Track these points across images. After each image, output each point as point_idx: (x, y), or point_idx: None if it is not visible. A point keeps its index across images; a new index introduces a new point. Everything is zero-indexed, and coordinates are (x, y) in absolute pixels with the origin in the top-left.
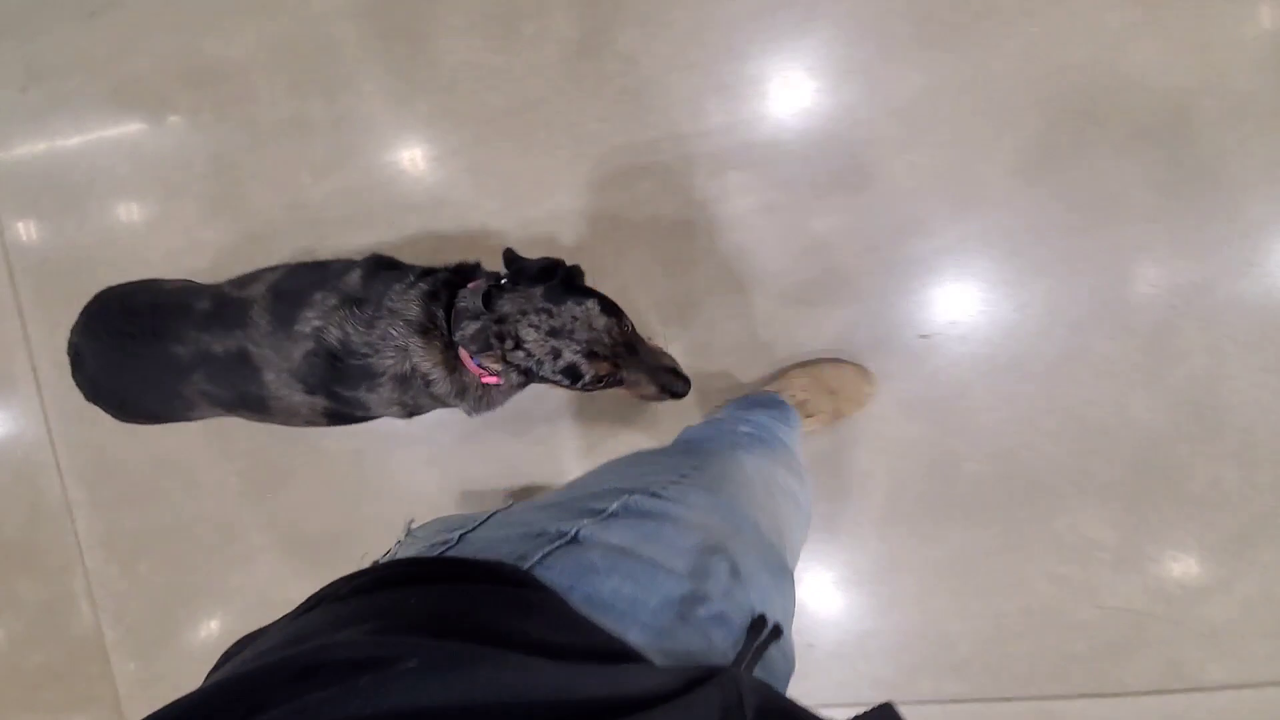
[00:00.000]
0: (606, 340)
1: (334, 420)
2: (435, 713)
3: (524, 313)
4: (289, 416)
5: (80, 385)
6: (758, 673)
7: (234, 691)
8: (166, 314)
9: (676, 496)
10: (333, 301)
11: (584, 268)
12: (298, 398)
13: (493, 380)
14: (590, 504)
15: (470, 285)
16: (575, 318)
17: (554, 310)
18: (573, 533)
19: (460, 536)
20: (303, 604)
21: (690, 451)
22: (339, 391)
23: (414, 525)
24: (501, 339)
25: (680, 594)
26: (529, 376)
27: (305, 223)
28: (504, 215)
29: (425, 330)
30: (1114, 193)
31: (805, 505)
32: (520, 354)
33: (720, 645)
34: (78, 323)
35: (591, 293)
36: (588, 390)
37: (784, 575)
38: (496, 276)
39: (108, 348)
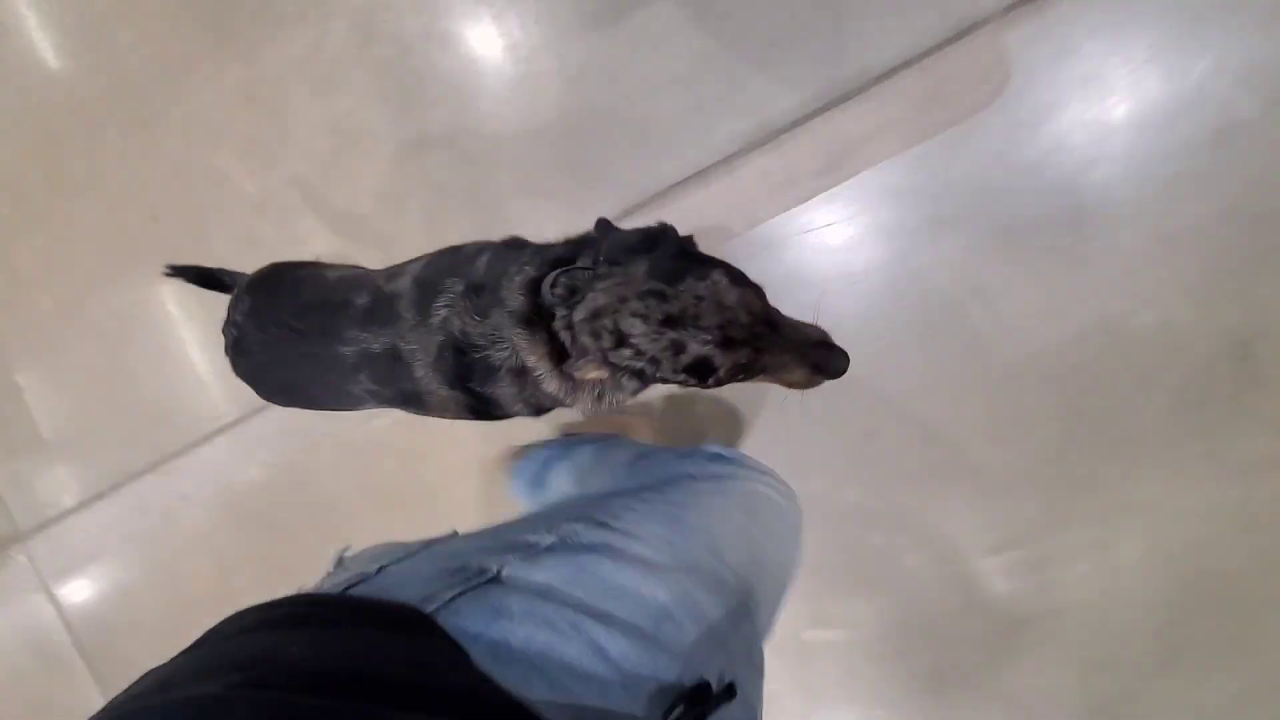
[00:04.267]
0: (744, 320)
1: (480, 416)
2: None
3: (624, 300)
4: (443, 410)
5: (236, 365)
6: None
7: None
8: (333, 311)
9: (627, 527)
10: (459, 289)
11: None
12: (445, 392)
13: (603, 375)
14: (525, 535)
15: (556, 272)
16: (700, 297)
17: (667, 292)
18: (495, 571)
19: (380, 569)
20: (197, 639)
21: (677, 457)
22: (472, 388)
23: (347, 554)
24: (598, 336)
25: (607, 644)
26: (642, 379)
27: None
28: None
29: (529, 322)
30: None
31: (793, 519)
32: (627, 352)
33: (654, 708)
34: (241, 304)
35: (714, 262)
36: (719, 386)
37: (745, 617)
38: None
39: (278, 340)
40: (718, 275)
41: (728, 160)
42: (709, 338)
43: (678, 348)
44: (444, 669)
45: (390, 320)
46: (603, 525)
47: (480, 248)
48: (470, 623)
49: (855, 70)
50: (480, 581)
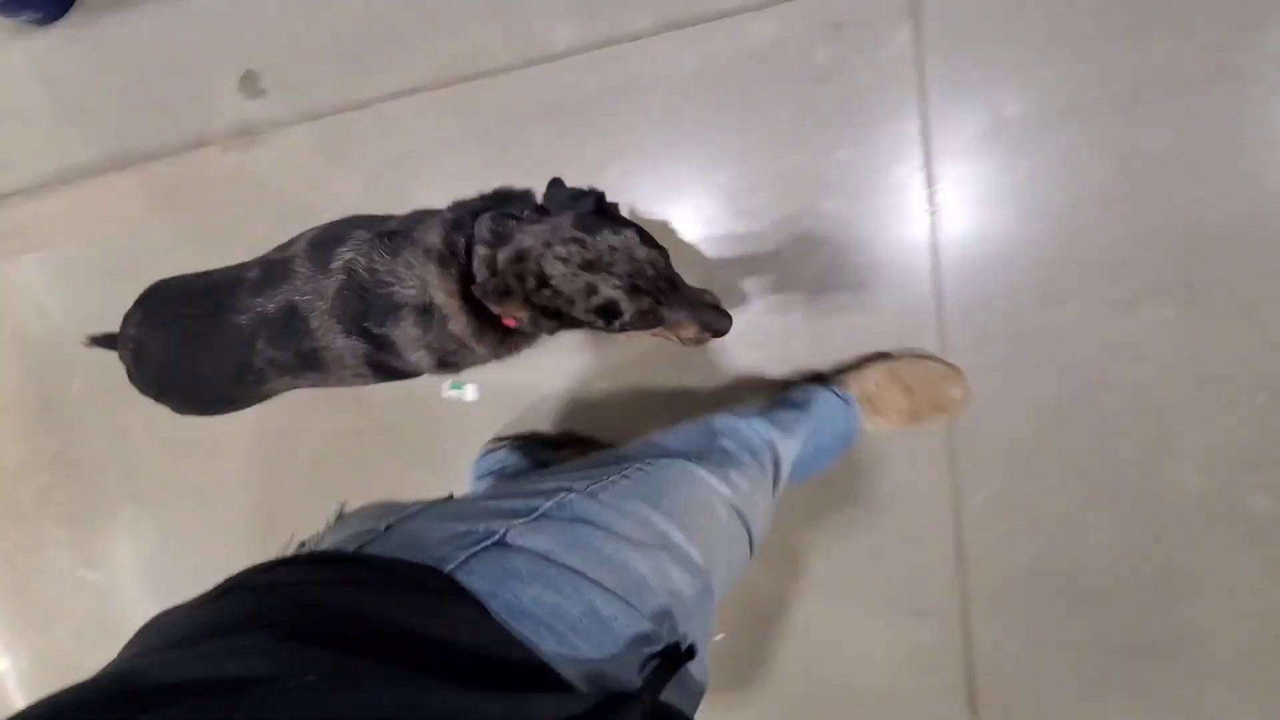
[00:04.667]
0: (650, 274)
1: (378, 371)
2: None
3: (549, 244)
4: (340, 370)
5: (142, 383)
6: (670, 692)
7: (114, 697)
8: (223, 290)
9: (612, 502)
10: (366, 236)
11: None
12: (340, 341)
13: (511, 322)
14: (523, 502)
15: (488, 215)
16: (613, 248)
17: (586, 240)
18: (500, 534)
19: (387, 527)
20: (217, 587)
21: (664, 441)
22: (369, 329)
23: (346, 508)
24: (522, 279)
25: (601, 606)
26: (559, 319)
27: None
28: None
29: (443, 259)
30: None
31: (745, 533)
32: (547, 292)
33: (635, 663)
34: (133, 317)
35: (628, 222)
36: (623, 330)
37: (708, 595)
38: (522, 212)
39: (173, 333)
40: (630, 233)
41: None
42: (619, 283)
43: (591, 289)
44: (471, 626)
45: (285, 278)
46: (591, 496)
47: (387, 216)
48: (486, 583)
49: None
50: (488, 544)
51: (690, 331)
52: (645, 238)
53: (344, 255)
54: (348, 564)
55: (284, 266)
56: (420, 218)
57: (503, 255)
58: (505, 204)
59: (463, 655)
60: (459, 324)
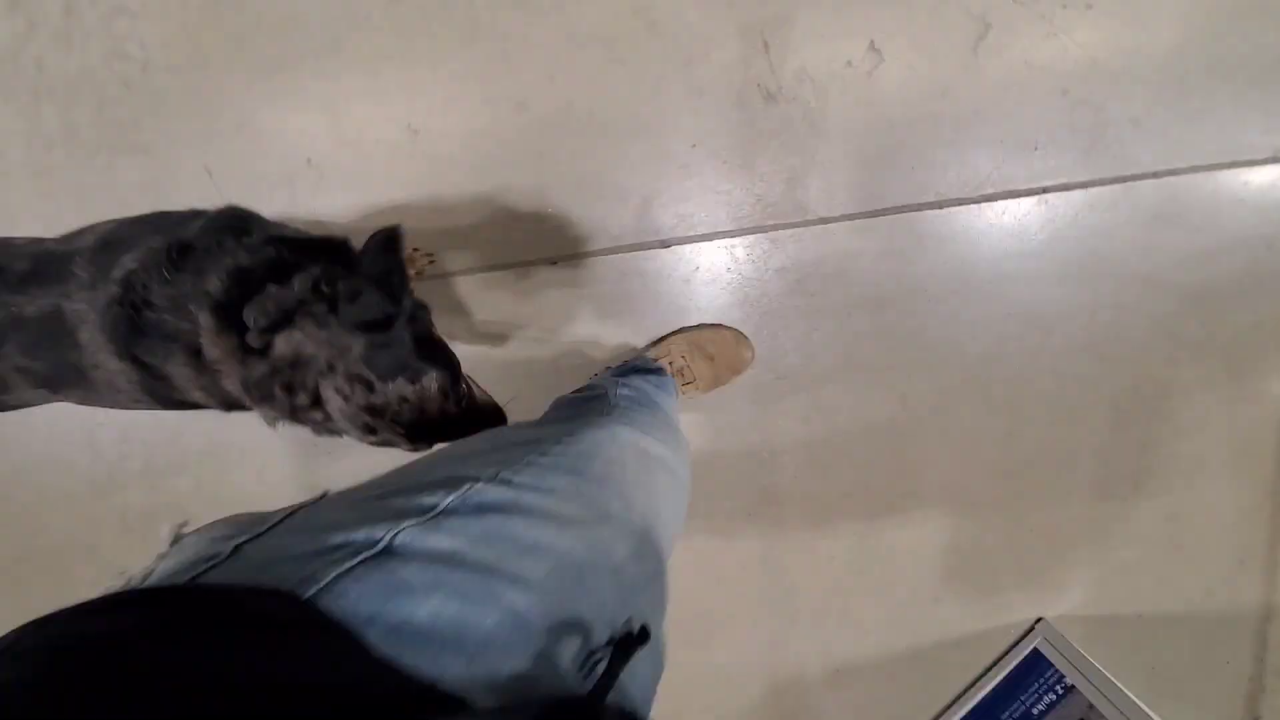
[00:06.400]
0: (434, 414)
1: (156, 399)
2: None
3: (332, 368)
4: (113, 392)
5: None
6: (623, 681)
7: None
8: None
9: (531, 482)
10: (156, 244)
11: None
12: (113, 364)
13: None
14: (416, 498)
15: (274, 287)
16: (405, 399)
17: (376, 386)
18: (385, 540)
19: (236, 548)
20: None
21: (562, 419)
22: (140, 357)
23: (185, 530)
24: (291, 390)
25: (524, 607)
26: (325, 430)
27: None
28: None
29: (221, 312)
30: None
31: (682, 475)
32: (318, 415)
33: (575, 664)
34: None
35: (436, 357)
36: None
37: (658, 563)
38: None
39: None
40: (428, 381)
41: None
42: (401, 429)
43: (369, 429)
44: (333, 667)
45: (58, 279)
46: (505, 483)
47: (194, 214)
48: (363, 604)
49: None
50: (370, 554)
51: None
52: (447, 385)
53: (127, 265)
54: (155, 608)
55: (61, 263)
56: (223, 231)
57: (280, 348)
58: (317, 256)
59: (333, 695)
60: (233, 386)
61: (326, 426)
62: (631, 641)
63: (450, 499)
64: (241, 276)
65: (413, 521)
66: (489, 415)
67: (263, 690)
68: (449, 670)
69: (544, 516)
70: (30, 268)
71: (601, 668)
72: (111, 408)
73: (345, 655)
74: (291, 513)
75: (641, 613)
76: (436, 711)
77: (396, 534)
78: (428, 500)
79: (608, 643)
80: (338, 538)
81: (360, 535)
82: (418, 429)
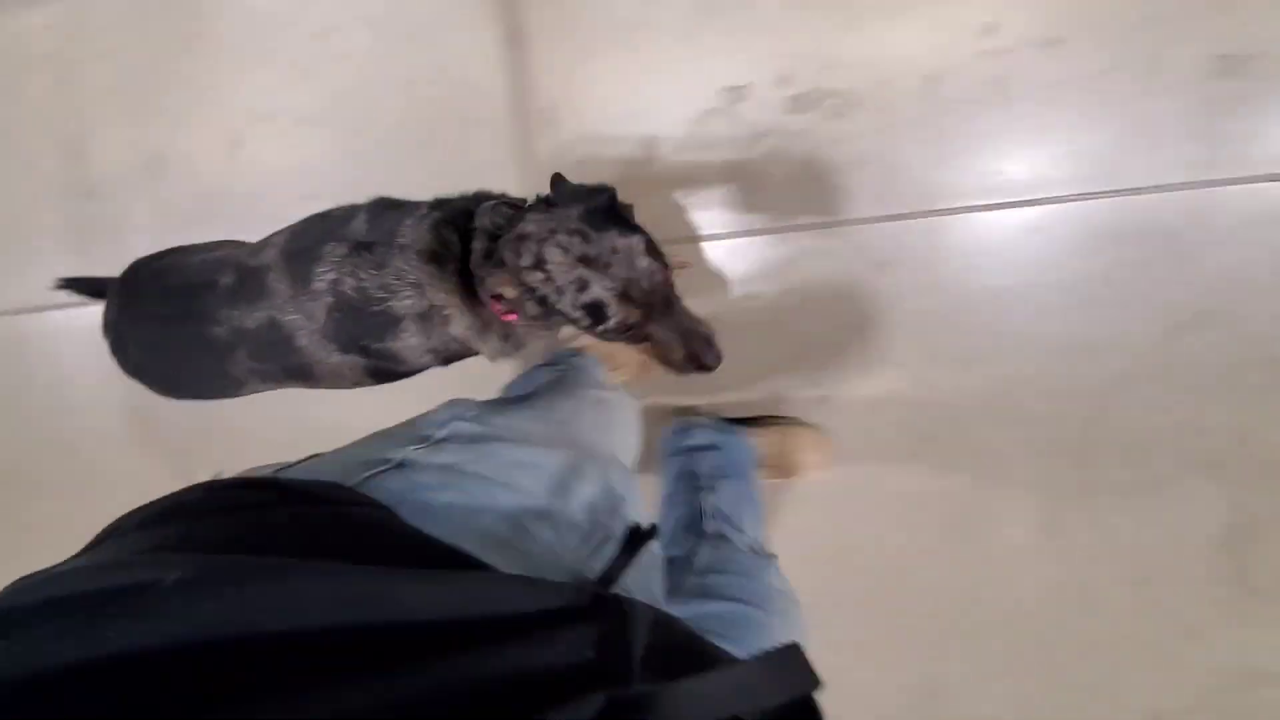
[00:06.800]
0: (645, 285)
1: (379, 378)
2: (199, 648)
3: (553, 231)
4: (337, 379)
5: (123, 365)
6: (631, 575)
7: None
8: (198, 293)
9: (505, 424)
10: (342, 251)
11: None
12: (335, 359)
13: (512, 317)
14: (418, 432)
15: (489, 205)
16: (615, 249)
17: (591, 235)
18: (399, 458)
19: (276, 472)
20: (91, 541)
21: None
22: (369, 345)
23: (222, 475)
24: (518, 254)
25: (520, 507)
26: (545, 306)
27: None
28: None
29: (438, 258)
30: None
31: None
32: (539, 275)
33: (573, 556)
34: (112, 300)
35: (637, 228)
36: (606, 338)
37: (627, 484)
38: (523, 203)
39: (149, 331)
40: (636, 240)
41: None
42: (612, 285)
43: (582, 284)
44: (380, 530)
45: (260, 295)
46: (487, 423)
47: (350, 211)
48: (392, 494)
49: None
50: (389, 467)
51: (675, 357)
52: (651, 247)
53: (326, 276)
54: (226, 493)
55: (258, 279)
56: (394, 220)
57: (504, 240)
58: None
59: (382, 547)
60: (460, 325)
61: (544, 296)
62: (640, 534)
63: (444, 431)
64: (443, 223)
65: (417, 446)
66: (699, 323)
67: (344, 533)
68: (464, 545)
69: (525, 440)
70: (235, 282)
71: (608, 550)
72: (335, 388)
73: (388, 525)
74: (313, 456)
75: (637, 515)
76: (468, 566)
77: (406, 455)
78: (427, 432)
79: (623, 540)
80: (360, 458)
81: (377, 456)
82: (627, 289)
